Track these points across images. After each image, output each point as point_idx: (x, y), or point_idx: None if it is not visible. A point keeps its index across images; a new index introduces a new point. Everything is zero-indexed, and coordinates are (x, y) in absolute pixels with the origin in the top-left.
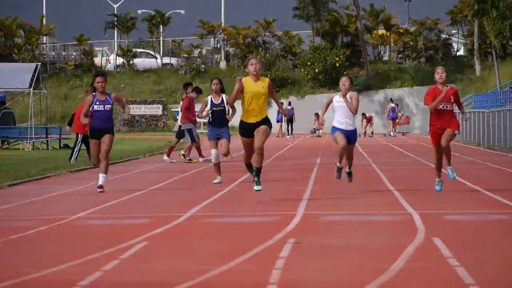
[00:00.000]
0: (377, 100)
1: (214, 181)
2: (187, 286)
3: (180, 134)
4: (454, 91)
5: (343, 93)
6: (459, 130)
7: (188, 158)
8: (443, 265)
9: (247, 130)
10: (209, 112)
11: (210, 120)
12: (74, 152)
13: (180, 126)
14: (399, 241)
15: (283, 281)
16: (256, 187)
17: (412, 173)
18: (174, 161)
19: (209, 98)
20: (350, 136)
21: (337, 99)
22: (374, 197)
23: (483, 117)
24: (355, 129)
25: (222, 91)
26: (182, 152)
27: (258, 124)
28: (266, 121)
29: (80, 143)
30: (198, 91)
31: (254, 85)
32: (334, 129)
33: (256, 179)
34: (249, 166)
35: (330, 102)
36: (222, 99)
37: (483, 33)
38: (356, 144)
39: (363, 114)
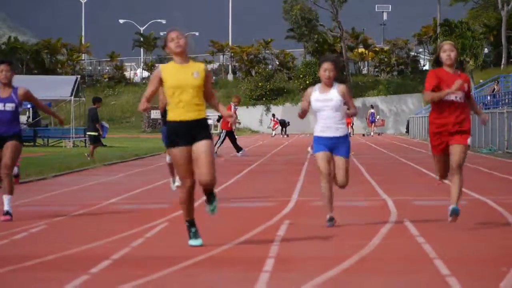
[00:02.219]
0: (357, 106)
1: (172, 187)
2: (200, 259)
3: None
4: (465, 76)
5: (325, 83)
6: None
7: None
8: (412, 242)
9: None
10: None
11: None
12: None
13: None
14: (376, 223)
15: (280, 256)
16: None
17: (387, 166)
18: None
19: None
20: (338, 145)
21: (317, 97)
22: (355, 186)
23: None
24: (346, 135)
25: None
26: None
27: (193, 124)
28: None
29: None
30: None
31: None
32: (316, 141)
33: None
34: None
35: (307, 101)
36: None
37: None
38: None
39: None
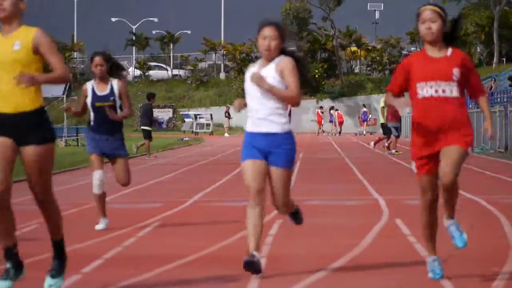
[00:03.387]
0: (350, 105)
1: (97, 227)
2: (192, 259)
3: (388, 130)
4: (461, 56)
5: (265, 57)
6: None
7: (395, 150)
8: (404, 241)
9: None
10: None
11: (91, 121)
12: None
13: (384, 124)
14: (368, 222)
15: (272, 255)
16: None
17: (378, 166)
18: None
19: (89, 85)
20: (272, 148)
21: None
22: (347, 185)
23: None
24: (289, 132)
25: (112, 74)
26: (386, 144)
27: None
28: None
29: None
30: None
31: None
32: (245, 138)
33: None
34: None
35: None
36: (112, 88)
37: None
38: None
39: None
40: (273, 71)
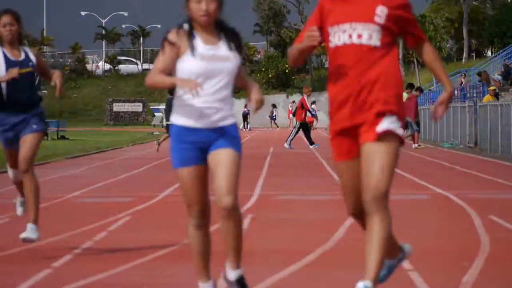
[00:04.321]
0: (321, 100)
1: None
2: (162, 253)
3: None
4: None
5: (202, 28)
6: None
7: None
8: None
9: None
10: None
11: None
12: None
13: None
14: (339, 217)
15: (244, 249)
16: None
17: None
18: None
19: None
20: (219, 145)
21: (202, 49)
22: (317, 180)
23: None
24: (233, 124)
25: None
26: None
27: None
28: None
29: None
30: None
31: None
32: (174, 136)
33: None
34: None
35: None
36: (27, 54)
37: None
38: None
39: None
40: (226, 50)
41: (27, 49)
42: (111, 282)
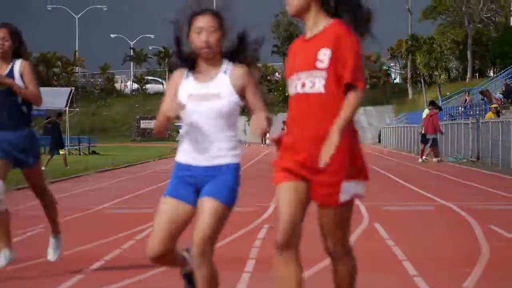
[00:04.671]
0: None
1: None
2: None
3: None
4: (337, 29)
5: (204, 60)
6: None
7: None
8: (382, 244)
9: None
10: None
11: None
12: None
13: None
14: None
15: (260, 257)
16: None
17: None
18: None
19: None
20: (206, 191)
21: (191, 88)
22: None
23: (414, 130)
24: (235, 165)
25: (19, 54)
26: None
27: None
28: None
29: None
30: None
31: None
32: (174, 172)
33: None
34: None
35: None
36: (12, 69)
37: (414, 65)
38: None
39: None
40: (228, 86)
41: (18, 63)
42: (139, 287)
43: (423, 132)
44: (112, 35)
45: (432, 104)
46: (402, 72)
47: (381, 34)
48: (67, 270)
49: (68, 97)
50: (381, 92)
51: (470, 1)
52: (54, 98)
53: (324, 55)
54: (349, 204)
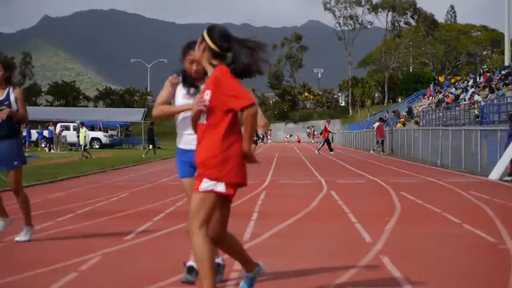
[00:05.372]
0: (304, 128)
1: None
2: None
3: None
4: (216, 73)
5: (194, 76)
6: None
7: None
8: (335, 204)
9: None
10: None
11: None
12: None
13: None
14: (315, 193)
15: (261, 211)
16: None
17: (321, 161)
18: None
19: None
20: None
21: (184, 94)
22: (303, 171)
23: (354, 134)
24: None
25: (10, 81)
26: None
27: None
28: None
29: None
30: None
31: None
32: (178, 158)
33: None
34: None
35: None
36: (9, 95)
37: (353, 95)
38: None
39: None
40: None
41: (12, 89)
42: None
43: (376, 136)
44: (170, 76)
45: (380, 119)
46: (346, 99)
47: (334, 76)
48: (140, 219)
49: (143, 115)
50: (333, 111)
51: (386, 56)
52: (134, 115)
53: (207, 95)
54: None
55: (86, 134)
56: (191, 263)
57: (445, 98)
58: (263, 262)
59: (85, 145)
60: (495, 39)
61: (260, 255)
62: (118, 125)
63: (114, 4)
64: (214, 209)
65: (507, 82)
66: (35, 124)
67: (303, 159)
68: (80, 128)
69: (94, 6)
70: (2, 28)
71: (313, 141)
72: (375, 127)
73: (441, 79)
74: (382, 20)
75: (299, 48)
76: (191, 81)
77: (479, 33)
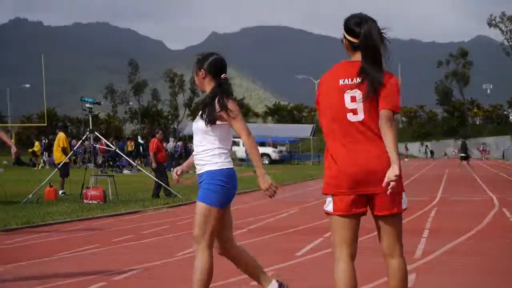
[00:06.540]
0: (475, 144)
1: None
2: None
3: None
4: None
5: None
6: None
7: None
8: (508, 221)
9: None
10: None
11: None
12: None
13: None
14: (486, 210)
15: (432, 228)
16: None
17: (490, 177)
18: None
19: None
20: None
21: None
22: (472, 188)
23: None
24: (208, 172)
25: None
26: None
27: None
28: None
29: None
30: None
31: None
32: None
33: None
34: None
35: None
36: None
37: None
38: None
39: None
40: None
41: None
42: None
43: None
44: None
45: None
46: None
47: (504, 92)
48: (312, 234)
49: (312, 130)
50: (504, 127)
51: None
52: (303, 131)
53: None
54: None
55: None
56: None
57: None
58: (436, 280)
59: None
60: None
61: (432, 273)
62: (287, 141)
63: (282, 20)
64: None
65: None
66: None
67: (474, 176)
68: None
69: (261, 22)
70: (172, 45)
71: (483, 158)
72: None
73: None
74: None
75: (466, 64)
76: None
77: None
